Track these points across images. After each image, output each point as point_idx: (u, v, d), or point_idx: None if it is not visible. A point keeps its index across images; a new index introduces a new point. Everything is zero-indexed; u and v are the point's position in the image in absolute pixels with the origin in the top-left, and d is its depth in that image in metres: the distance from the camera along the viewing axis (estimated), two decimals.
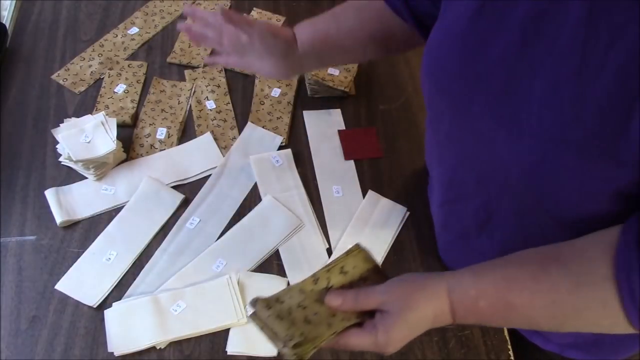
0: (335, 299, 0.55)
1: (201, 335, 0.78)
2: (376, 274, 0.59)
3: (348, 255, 0.59)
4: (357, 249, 0.60)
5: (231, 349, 0.77)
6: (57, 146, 0.93)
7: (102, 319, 0.79)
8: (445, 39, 0.59)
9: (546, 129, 0.50)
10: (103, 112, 0.95)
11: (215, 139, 0.98)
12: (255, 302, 0.55)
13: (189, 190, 0.92)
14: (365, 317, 0.55)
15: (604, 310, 0.47)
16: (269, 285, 0.83)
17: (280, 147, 0.97)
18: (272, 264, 0.86)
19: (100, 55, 1.07)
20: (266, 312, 0.54)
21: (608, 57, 0.44)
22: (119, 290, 0.82)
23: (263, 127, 0.99)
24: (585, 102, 0.46)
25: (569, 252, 0.50)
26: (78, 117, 0.94)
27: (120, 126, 0.95)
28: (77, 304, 0.80)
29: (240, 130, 0.99)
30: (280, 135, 0.98)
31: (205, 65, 1.07)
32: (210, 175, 0.94)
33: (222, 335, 0.79)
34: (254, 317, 0.55)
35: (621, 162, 0.46)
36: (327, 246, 0.88)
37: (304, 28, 0.77)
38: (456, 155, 0.66)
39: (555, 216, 0.56)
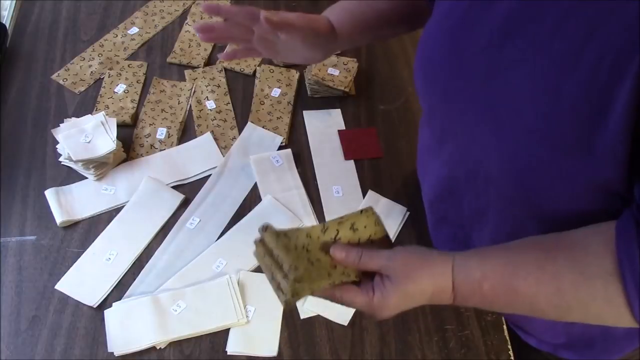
0: (340, 251, 0.55)
1: (201, 335, 0.78)
2: (384, 241, 0.59)
3: (362, 213, 0.59)
4: (372, 211, 0.59)
5: (231, 349, 0.77)
6: (57, 146, 0.93)
7: (102, 319, 0.79)
8: (435, 33, 0.60)
9: (524, 121, 0.50)
10: (103, 112, 0.95)
11: (215, 139, 0.98)
12: (265, 228, 0.55)
13: (189, 190, 0.92)
14: (365, 279, 0.55)
15: (608, 304, 0.48)
16: (269, 286, 0.83)
17: (280, 147, 0.97)
18: None
19: (100, 55, 1.07)
20: (274, 240, 0.54)
21: (583, 51, 0.45)
22: (119, 290, 0.82)
23: (263, 127, 0.99)
24: (561, 95, 0.47)
25: (572, 243, 0.51)
26: (78, 117, 0.94)
27: (120, 126, 0.95)
28: (77, 304, 0.80)
29: (240, 130, 0.99)
30: (280, 135, 0.98)
31: (205, 65, 1.07)
32: (210, 175, 0.94)
33: (222, 335, 0.79)
34: (259, 243, 0.55)
35: (597, 158, 0.46)
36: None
37: (340, 14, 0.75)
38: (449, 151, 0.66)
39: (537, 212, 0.57)
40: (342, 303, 0.55)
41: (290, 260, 0.52)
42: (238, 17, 0.70)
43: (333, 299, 0.55)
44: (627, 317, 0.47)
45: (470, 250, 0.55)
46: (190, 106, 1.02)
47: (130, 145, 0.96)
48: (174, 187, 0.92)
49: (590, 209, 0.52)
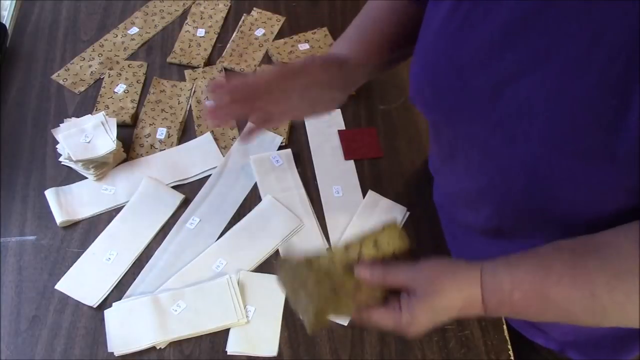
0: (364, 270, 0.54)
1: (201, 335, 0.78)
2: (408, 256, 0.58)
3: (384, 229, 0.58)
4: (394, 225, 0.58)
5: (231, 349, 0.77)
6: (57, 146, 0.93)
7: (102, 319, 0.79)
8: (434, 44, 0.59)
9: (537, 132, 0.49)
10: (103, 112, 0.95)
11: (215, 139, 0.98)
12: (282, 262, 0.56)
13: (189, 190, 0.92)
14: (392, 298, 0.54)
15: None
16: (269, 285, 0.83)
17: (280, 147, 0.97)
18: (272, 264, 0.86)
19: (100, 55, 1.07)
20: (290, 275, 0.54)
21: (591, 55, 0.44)
22: (119, 290, 0.82)
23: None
24: (571, 103, 0.46)
25: (602, 244, 0.49)
26: (78, 117, 0.94)
27: (120, 126, 0.95)
28: (77, 304, 0.80)
29: (240, 130, 0.99)
30: (280, 135, 0.98)
31: (205, 65, 1.07)
32: (210, 175, 0.94)
33: (222, 335, 0.79)
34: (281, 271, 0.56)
35: (620, 161, 0.45)
36: (327, 246, 0.88)
37: (347, 44, 0.69)
38: (459, 167, 0.65)
39: (560, 221, 0.55)
40: (370, 325, 0.54)
41: (308, 296, 0.52)
42: (242, 92, 0.63)
43: (360, 321, 0.54)
44: None
45: (498, 259, 0.53)
46: (190, 106, 1.02)
47: (130, 145, 0.96)
48: (174, 187, 0.92)
49: (614, 213, 0.51)
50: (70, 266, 0.83)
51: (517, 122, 0.51)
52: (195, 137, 0.98)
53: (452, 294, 0.51)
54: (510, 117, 0.52)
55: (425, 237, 0.88)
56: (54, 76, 1.04)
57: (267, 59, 1.10)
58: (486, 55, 0.53)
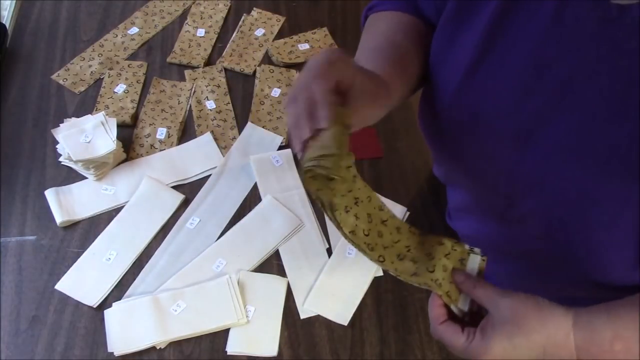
0: (460, 273, 0.54)
1: (201, 335, 0.78)
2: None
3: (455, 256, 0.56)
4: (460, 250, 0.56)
5: (231, 349, 0.77)
6: (57, 146, 0.93)
7: (102, 319, 0.79)
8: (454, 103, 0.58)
9: (576, 154, 0.49)
10: (103, 112, 0.95)
11: (215, 139, 0.98)
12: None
13: (189, 190, 0.92)
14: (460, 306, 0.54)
15: None
16: (269, 285, 0.83)
17: (280, 147, 0.97)
18: (272, 264, 0.86)
19: (100, 55, 1.07)
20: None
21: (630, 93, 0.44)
22: (119, 290, 0.82)
23: (263, 127, 0.99)
24: (613, 135, 0.46)
25: None
26: (78, 117, 0.94)
27: (120, 126, 0.95)
28: (77, 304, 0.80)
29: (240, 130, 0.99)
30: (280, 135, 0.98)
31: (205, 65, 1.07)
32: (210, 175, 0.94)
33: (222, 335, 0.79)
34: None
35: None
36: (327, 246, 0.88)
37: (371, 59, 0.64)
38: (480, 179, 0.64)
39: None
40: (439, 338, 0.53)
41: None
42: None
43: (434, 331, 0.53)
44: None
45: (593, 306, 0.50)
46: (190, 106, 1.02)
47: (130, 145, 0.96)
48: (174, 187, 0.92)
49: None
50: (70, 266, 0.83)
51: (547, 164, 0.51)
52: (195, 137, 0.98)
53: (535, 329, 0.48)
54: (538, 161, 0.52)
55: None
56: (54, 76, 1.04)
57: (267, 59, 1.10)
58: (511, 101, 0.52)
